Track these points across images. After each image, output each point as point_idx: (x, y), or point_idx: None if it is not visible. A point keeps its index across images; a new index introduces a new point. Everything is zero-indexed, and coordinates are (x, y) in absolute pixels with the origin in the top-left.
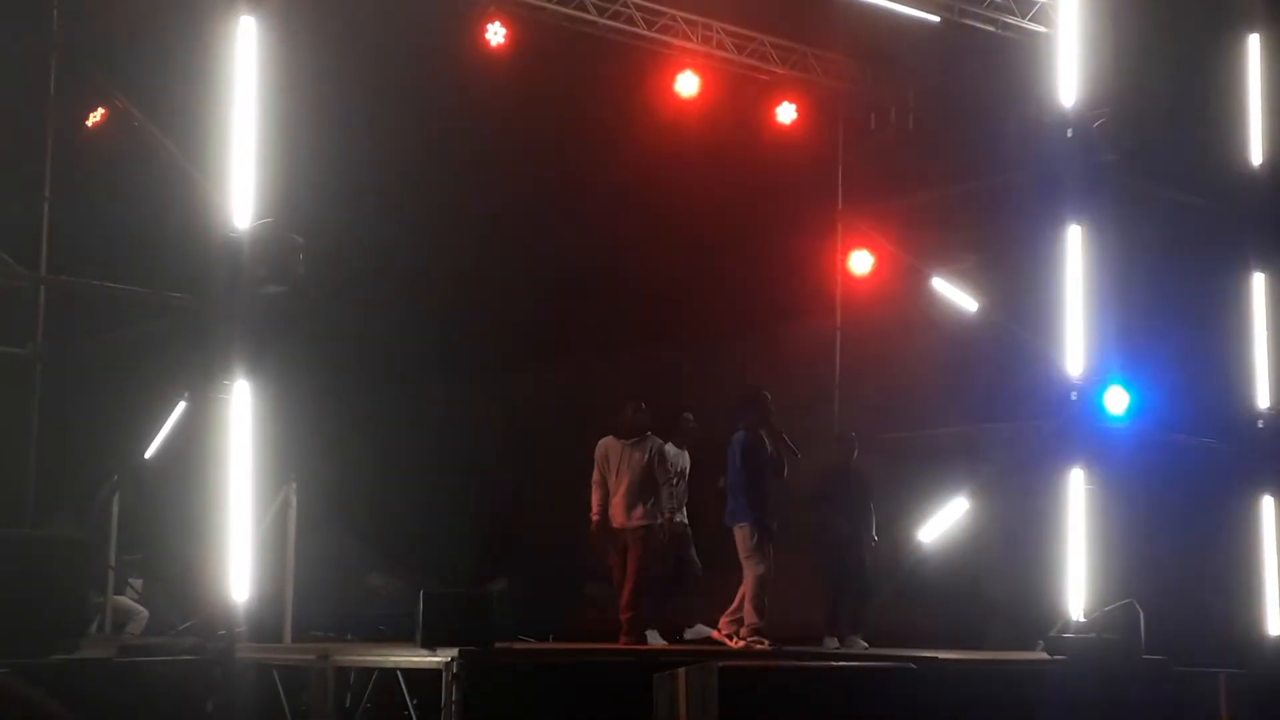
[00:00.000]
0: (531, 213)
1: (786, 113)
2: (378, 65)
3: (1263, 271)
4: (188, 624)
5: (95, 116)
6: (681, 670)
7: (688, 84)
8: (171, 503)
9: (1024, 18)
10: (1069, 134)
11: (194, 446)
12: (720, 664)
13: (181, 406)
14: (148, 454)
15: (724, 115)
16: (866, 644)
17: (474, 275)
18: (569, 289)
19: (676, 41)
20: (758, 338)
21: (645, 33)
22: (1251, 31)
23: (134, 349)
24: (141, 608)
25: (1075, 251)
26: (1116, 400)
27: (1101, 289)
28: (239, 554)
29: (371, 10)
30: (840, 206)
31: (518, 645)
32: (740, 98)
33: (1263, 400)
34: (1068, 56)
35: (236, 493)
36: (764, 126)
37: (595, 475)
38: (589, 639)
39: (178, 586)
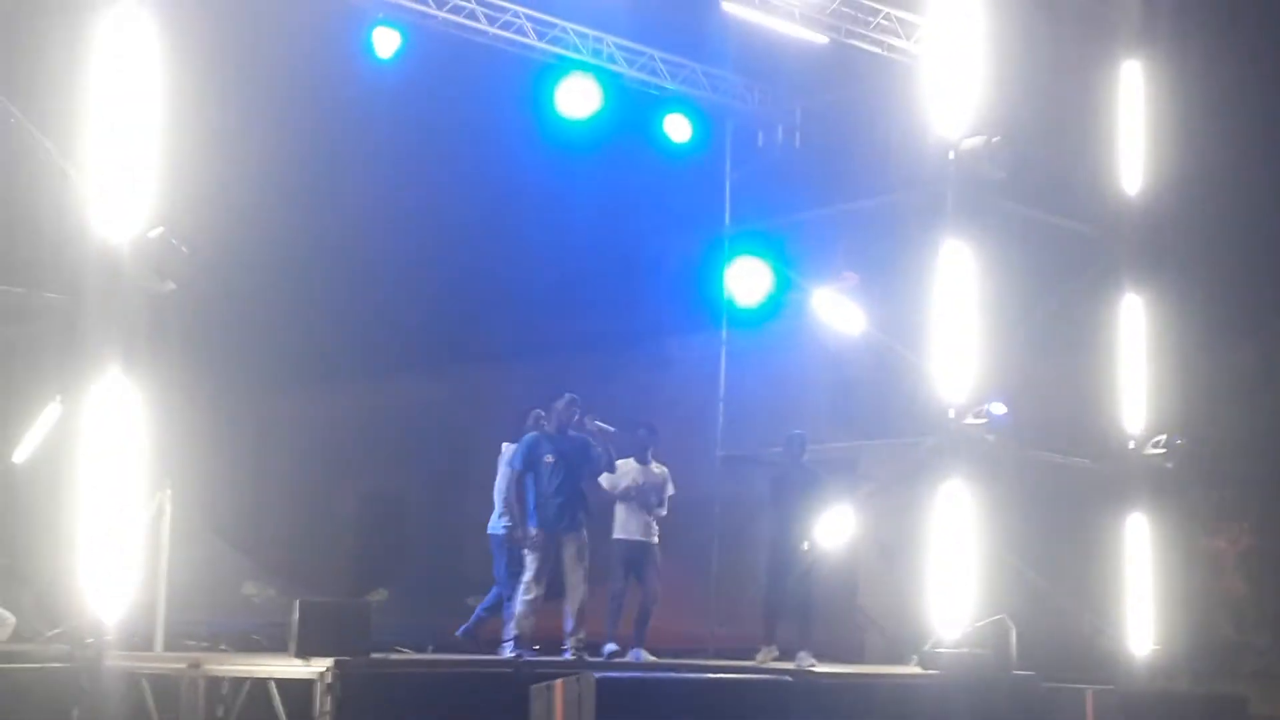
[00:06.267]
0: (419, 221)
1: (675, 128)
2: (265, 68)
3: (1137, 295)
4: (55, 631)
5: None
6: (558, 681)
7: (576, 96)
8: (41, 507)
9: (909, 40)
10: (951, 156)
11: (65, 450)
12: (597, 675)
13: (53, 409)
14: (16, 457)
15: (613, 129)
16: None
17: (358, 281)
18: (456, 297)
19: (567, 53)
20: (644, 351)
21: (536, 44)
22: (1131, 59)
23: (7, 349)
24: (8, 614)
25: (955, 272)
26: (996, 410)
27: (980, 309)
28: (110, 560)
29: (260, 12)
30: (727, 222)
31: (395, 655)
32: (630, 112)
33: (1134, 422)
34: (951, 80)
35: (109, 498)
36: (653, 141)
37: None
38: (468, 650)
39: (46, 593)
